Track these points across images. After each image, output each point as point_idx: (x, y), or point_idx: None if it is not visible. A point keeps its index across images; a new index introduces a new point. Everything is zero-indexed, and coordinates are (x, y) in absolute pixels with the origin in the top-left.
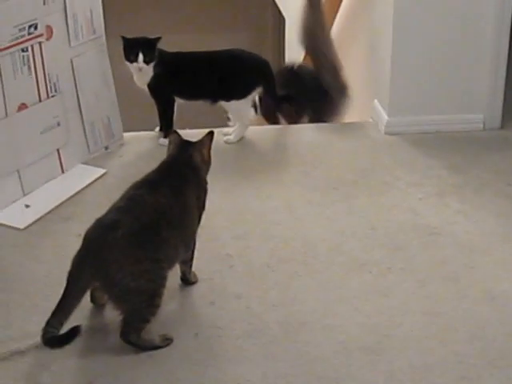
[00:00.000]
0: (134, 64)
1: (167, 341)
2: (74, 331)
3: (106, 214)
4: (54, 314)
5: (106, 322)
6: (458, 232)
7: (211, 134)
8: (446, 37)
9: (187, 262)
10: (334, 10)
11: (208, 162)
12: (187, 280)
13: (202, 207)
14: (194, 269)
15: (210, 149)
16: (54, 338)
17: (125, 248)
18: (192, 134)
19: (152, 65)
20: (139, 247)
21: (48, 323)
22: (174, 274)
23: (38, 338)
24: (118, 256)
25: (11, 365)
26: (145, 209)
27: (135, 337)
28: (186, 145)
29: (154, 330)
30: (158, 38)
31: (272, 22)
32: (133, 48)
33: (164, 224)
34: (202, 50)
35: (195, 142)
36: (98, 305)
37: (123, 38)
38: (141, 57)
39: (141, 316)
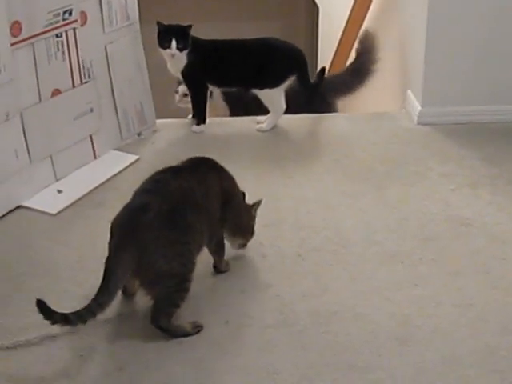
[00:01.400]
0: (167, 50)
1: (197, 328)
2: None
3: (134, 198)
4: (97, 297)
5: (136, 308)
6: (490, 223)
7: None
8: (480, 27)
9: (216, 253)
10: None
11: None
12: (219, 269)
13: (230, 211)
14: (225, 257)
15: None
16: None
17: (157, 229)
18: (226, 122)
19: (185, 52)
20: (170, 229)
21: (89, 306)
22: (206, 262)
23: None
24: (152, 237)
25: (42, 349)
26: (171, 191)
27: (166, 322)
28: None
29: (184, 317)
30: (190, 26)
31: (305, 11)
32: (166, 35)
33: (189, 207)
34: (234, 38)
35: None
36: (128, 295)
37: (158, 23)
38: (174, 43)
39: (171, 300)
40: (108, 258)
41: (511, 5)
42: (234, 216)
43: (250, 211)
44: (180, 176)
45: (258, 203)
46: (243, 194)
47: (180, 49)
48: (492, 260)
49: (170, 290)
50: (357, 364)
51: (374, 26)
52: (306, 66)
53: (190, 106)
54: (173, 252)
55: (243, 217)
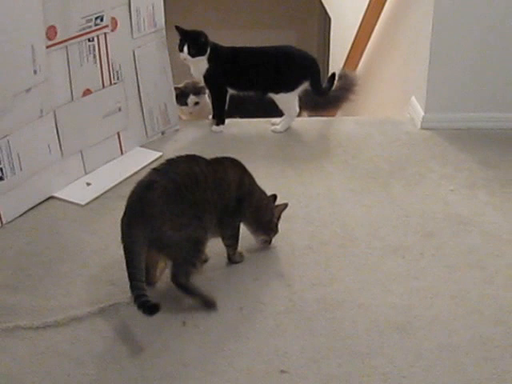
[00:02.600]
0: (181, 54)
1: (211, 302)
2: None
3: (145, 176)
4: (131, 276)
5: (157, 294)
6: (486, 222)
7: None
8: (483, 36)
9: (230, 246)
10: (377, 10)
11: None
12: (233, 260)
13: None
14: (239, 248)
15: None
16: (146, 304)
17: (163, 204)
18: (243, 123)
19: (200, 58)
20: (176, 203)
21: (133, 287)
22: (221, 253)
23: (95, 306)
24: (158, 211)
25: (69, 330)
26: (179, 172)
27: (184, 279)
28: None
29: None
30: (202, 33)
31: (318, 21)
32: (182, 39)
33: (196, 188)
34: (251, 45)
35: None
36: (150, 283)
37: (176, 27)
38: (185, 49)
39: (188, 260)
40: (122, 235)
41: None
42: (254, 212)
43: (273, 211)
44: (194, 161)
45: (283, 205)
46: (274, 197)
47: (192, 54)
48: (487, 256)
49: (187, 253)
50: (360, 350)
51: (380, 35)
52: (318, 73)
53: (199, 113)
54: (181, 223)
55: (265, 214)
